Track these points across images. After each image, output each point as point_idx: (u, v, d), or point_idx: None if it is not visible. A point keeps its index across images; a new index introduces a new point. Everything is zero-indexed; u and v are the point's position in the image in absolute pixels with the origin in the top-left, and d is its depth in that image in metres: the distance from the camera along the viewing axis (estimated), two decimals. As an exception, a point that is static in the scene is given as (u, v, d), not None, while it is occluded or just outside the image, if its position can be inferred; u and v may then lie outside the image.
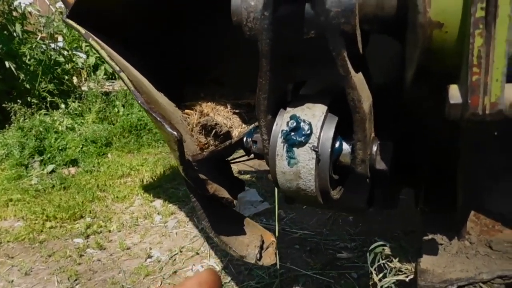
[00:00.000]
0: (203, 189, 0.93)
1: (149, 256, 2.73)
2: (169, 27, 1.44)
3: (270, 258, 1.09)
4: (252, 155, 1.39)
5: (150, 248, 2.81)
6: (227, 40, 1.44)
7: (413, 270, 0.96)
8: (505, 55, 0.51)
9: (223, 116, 1.24)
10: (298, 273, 2.46)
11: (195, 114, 1.29)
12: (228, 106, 1.26)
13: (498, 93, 0.52)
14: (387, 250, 1.01)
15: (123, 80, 0.89)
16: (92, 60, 6.14)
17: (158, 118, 0.80)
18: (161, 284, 2.45)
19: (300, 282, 2.41)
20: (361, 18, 0.66)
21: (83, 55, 6.14)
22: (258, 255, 1.04)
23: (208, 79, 1.46)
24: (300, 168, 0.81)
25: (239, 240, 1.06)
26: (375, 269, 1.01)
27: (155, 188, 3.70)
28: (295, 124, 0.79)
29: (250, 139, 0.97)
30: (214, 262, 2.65)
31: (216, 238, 1.02)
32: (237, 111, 1.26)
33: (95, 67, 6.25)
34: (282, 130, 0.81)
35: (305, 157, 0.80)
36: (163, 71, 1.41)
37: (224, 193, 0.97)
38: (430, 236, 1.00)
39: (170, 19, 1.40)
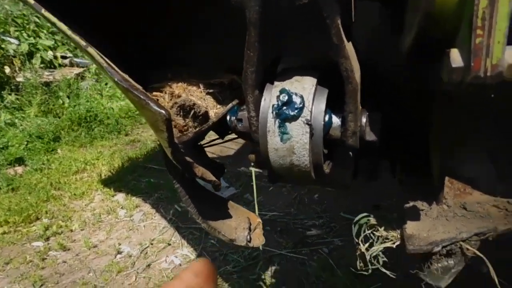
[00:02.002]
0: (192, 172, 0.89)
1: (119, 252, 2.62)
2: (124, 5, 1.33)
3: (259, 239, 1.07)
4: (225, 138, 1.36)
5: (119, 244, 2.69)
6: (186, 19, 1.37)
7: (398, 237, 1.00)
8: (507, 16, 0.52)
9: (197, 97, 1.19)
10: (273, 253, 2.50)
11: (166, 96, 1.22)
12: (201, 86, 1.20)
13: (499, 55, 0.53)
14: (372, 221, 1.04)
15: (91, 57, 0.80)
16: (25, 47, 5.53)
17: (142, 96, 0.73)
18: (135, 279, 2.36)
19: (275, 262, 2.44)
20: (354, -17, 0.64)
21: (15, 41, 5.55)
22: (248, 237, 1.02)
23: (172, 60, 1.39)
24: (294, 143, 0.79)
25: (226, 224, 1.03)
26: (361, 240, 1.03)
27: (115, 182, 3.53)
28: (287, 97, 0.76)
29: (234, 118, 0.93)
30: (188, 251, 2.60)
31: (204, 224, 0.98)
32: (210, 91, 1.21)
33: (30, 55, 5.66)
34: (273, 105, 0.79)
35: (298, 131, 0.78)
36: (122, 52, 1.31)
37: (211, 176, 0.93)
38: (411, 203, 1.04)
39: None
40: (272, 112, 0.78)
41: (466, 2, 0.55)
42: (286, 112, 0.77)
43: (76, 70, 5.77)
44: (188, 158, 0.85)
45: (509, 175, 1.08)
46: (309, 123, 0.77)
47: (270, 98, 0.81)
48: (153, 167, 3.71)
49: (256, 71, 0.78)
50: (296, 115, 0.77)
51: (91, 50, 0.79)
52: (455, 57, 0.57)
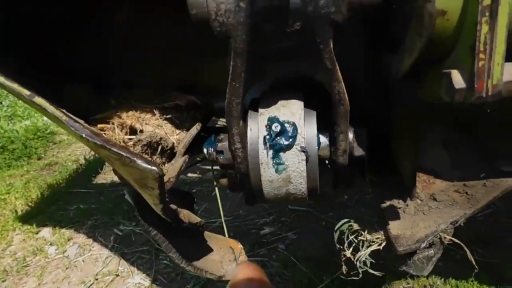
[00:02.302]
0: (179, 220, 0.79)
1: (58, 298, 2.31)
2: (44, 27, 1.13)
3: (246, 267, 1.02)
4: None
5: (57, 288, 2.37)
6: (127, 32, 1.22)
7: (383, 238, 1.03)
8: (505, 40, 0.54)
9: (153, 125, 1.06)
10: (232, 262, 2.44)
11: (115, 128, 1.07)
12: (156, 112, 1.08)
13: (498, 75, 0.56)
14: (355, 226, 1.06)
15: (41, 108, 0.62)
16: None
17: (124, 153, 0.60)
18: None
19: (238, 270, 2.40)
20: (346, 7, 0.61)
21: None
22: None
23: (115, 82, 1.22)
24: (290, 172, 0.75)
25: (210, 260, 0.95)
26: (346, 246, 1.05)
27: (36, 216, 3.09)
28: (279, 127, 0.71)
29: (212, 149, 0.85)
30: (140, 278, 2.41)
31: (189, 267, 0.89)
32: (167, 116, 1.09)
33: None
34: (265, 137, 0.73)
35: (294, 160, 0.74)
36: (51, 80, 1.11)
37: (195, 218, 0.84)
38: (387, 203, 1.09)
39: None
40: (265, 144, 0.73)
41: (464, 27, 0.56)
42: (280, 143, 0.72)
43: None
44: (172, 206, 0.75)
45: (460, 162, 1.19)
46: (304, 150, 0.73)
47: (257, 128, 0.75)
48: (80, 191, 3.34)
49: (241, 102, 0.71)
50: (290, 144, 0.73)
51: (40, 100, 0.63)
52: (457, 79, 0.58)
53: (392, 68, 0.67)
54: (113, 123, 1.08)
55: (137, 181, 0.66)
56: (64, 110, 0.63)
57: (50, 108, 0.62)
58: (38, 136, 4.15)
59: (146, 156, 0.88)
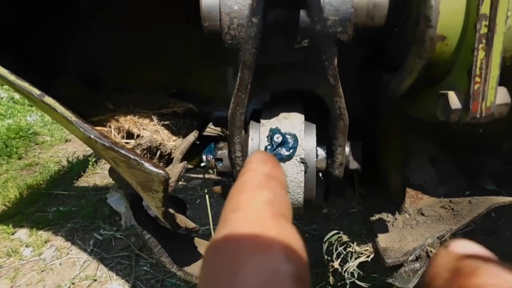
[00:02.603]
0: (176, 225, 0.79)
1: (32, 302, 2.23)
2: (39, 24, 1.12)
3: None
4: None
5: (31, 292, 2.29)
6: (122, 40, 1.23)
7: (372, 250, 1.06)
8: (499, 66, 0.58)
9: (151, 130, 1.07)
10: (215, 270, 2.43)
11: (112, 131, 1.07)
12: (154, 118, 1.08)
13: (492, 98, 0.60)
14: (344, 237, 1.08)
15: (51, 108, 0.62)
16: None
17: (131, 156, 0.60)
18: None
19: (221, 279, 2.38)
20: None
21: None
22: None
23: (110, 87, 1.22)
24: (288, 182, 0.77)
25: (200, 266, 0.96)
26: (335, 258, 1.07)
27: (13, 217, 2.99)
28: (281, 138, 0.73)
29: (211, 157, 0.86)
30: (119, 284, 2.36)
31: (180, 272, 0.89)
32: (164, 122, 1.10)
33: None
34: (266, 146, 0.75)
35: (293, 170, 0.76)
36: (47, 84, 1.10)
37: (190, 223, 0.85)
38: (376, 216, 1.12)
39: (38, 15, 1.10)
40: None
41: (461, 52, 0.60)
42: (281, 153, 0.74)
43: None
44: (171, 210, 0.76)
45: (446, 178, 1.24)
46: (304, 161, 0.75)
47: (259, 138, 0.77)
48: (61, 193, 3.26)
49: (245, 112, 0.73)
50: (290, 155, 0.75)
51: (50, 100, 0.63)
52: (454, 100, 0.62)
53: (391, 87, 0.71)
54: (110, 126, 1.08)
55: (141, 184, 0.67)
56: (72, 112, 0.63)
57: (60, 108, 0.62)
58: (20, 136, 4.04)
59: (145, 160, 0.88)
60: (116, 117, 1.08)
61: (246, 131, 0.80)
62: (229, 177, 0.87)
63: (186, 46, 1.14)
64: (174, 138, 1.11)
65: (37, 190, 3.31)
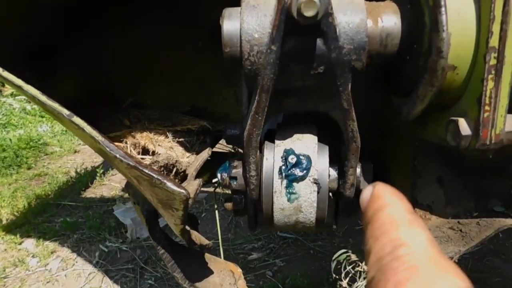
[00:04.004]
0: (191, 242, 0.81)
1: (36, 314, 2.23)
2: (63, 38, 1.18)
3: (244, 291, 1.03)
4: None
5: (36, 303, 2.30)
6: (140, 56, 1.27)
7: (380, 270, 1.06)
8: (508, 95, 0.61)
9: (166, 147, 1.10)
10: (220, 286, 2.42)
11: (128, 147, 1.10)
12: (169, 135, 1.11)
13: (501, 126, 0.62)
14: (353, 257, 1.09)
15: (79, 127, 0.65)
16: None
17: (154, 175, 0.63)
18: None
19: (224, 295, 2.37)
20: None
21: None
22: (236, 293, 0.97)
23: (128, 103, 1.26)
24: (302, 202, 0.79)
25: (211, 282, 0.97)
26: (343, 277, 1.08)
27: (20, 227, 3.02)
28: (295, 159, 0.76)
29: (226, 175, 0.89)
30: (124, 298, 2.36)
31: (191, 287, 0.91)
32: (179, 139, 1.13)
33: None
34: (280, 167, 0.77)
35: (306, 190, 0.78)
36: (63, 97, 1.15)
37: (203, 239, 0.87)
38: (385, 236, 1.13)
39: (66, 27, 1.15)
40: (280, 173, 0.77)
41: (471, 81, 0.63)
42: (295, 174, 0.76)
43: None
44: (187, 227, 0.78)
45: (454, 199, 1.25)
46: (317, 182, 0.78)
47: (273, 158, 0.80)
48: (68, 204, 3.29)
49: (261, 134, 0.76)
50: (304, 175, 0.77)
51: (78, 120, 0.66)
52: (464, 127, 0.64)
53: (403, 111, 0.73)
54: (126, 142, 1.11)
55: (161, 202, 0.69)
56: (98, 132, 0.66)
57: (88, 128, 0.65)
58: (30, 146, 4.10)
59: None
60: (132, 133, 1.11)
61: (261, 151, 0.83)
62: (241, 195, 0.90)
63: (202, 65, 1.18)
64: (188, 154, 1.14)
65: (45, 200, 3.34)
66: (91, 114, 1.20)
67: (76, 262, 2.71)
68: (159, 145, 1.09)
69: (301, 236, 2.92)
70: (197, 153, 1.14)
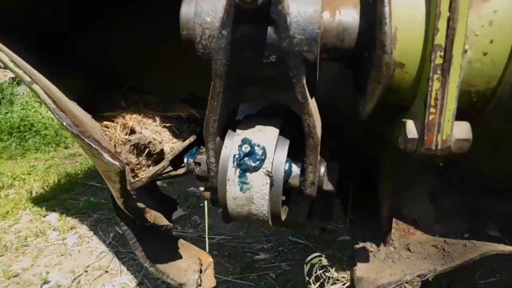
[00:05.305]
0: (143, 219, 0.84)
1: (45, 282, 2.37)
2: (76, 25, 1.25)
3: (209, 281, 1.04)
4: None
5: (47, 272, 2.44)
6: (146, 42, 1.32)
7: (349, 278, 1.03)
8: (456, 98, 0.57)
9: (152, 130, 1.14)
10: (219, 280, 2.44)
11: (118, 127, 1.15)
12: (157, 119, 1.15)
13: (448, 131, 0.58)
14: (324, 261, 1.06)
15: (37, 94, 0.72)
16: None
17: (93, 145, 0.67)
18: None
19: (221, 289, 2.39)
20: (321, 48, 0.66)
21: None
22: (198, 280, 0.98)
23: (128, 86, 1.32)
24: (253, 193, 0.78)
25: (176, 266, 0.99)
26: (313, 280, 1.05)
27: (48, 200, 3.24)
28: (249, 148, 0.76)
29: (192, 160, 0.91)
30: (127, 279, 2.45)
31: (151, 267, 0.93)
32: (167, 124, 1.17)
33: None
34: (234, 155, 0.78)
35: (258, 182, 0.78)
36: (71, 74, 1.22)
37: (163, 220, 0.89)
38: (361, 245, 1.09)
39: (75, 15, 1.22)
40: (233, 162, 0.77)
41: (421, 80, 0.59)
42: (247, 163, 0.76)
43: (11, 74, 5.28)
44: (140, 204, 0.80)
45: (446, 217, 1.17)
46: (270, 174, 0.77)
47: (231, 146, 0.80)
48: (95, 184, 3.48)
49: (218, 120, 0.77)
50: (257, 166, 0.76)
51: (37, 87, 0.72)
52: (411, 129, 0.61)
53: (359, 110, 0.71)
54: (117, 123, 1.17)
55: (104, 173, 0.72)
56: (53, 98, 0.71)
57: (44, 95, 0.70)
58: (68, 127, 4.38)
59: (132, 155, 0.95)
60: (123, 114, 1.16)
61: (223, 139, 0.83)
62: (206, 181, 0.91)
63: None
64: (174, 140, 1.17)
65: (74, 179, 3.55)
66: (92, 93, 1.28)
67: (91, 240, 2.86)
68: (145, 127, 1.13)
69: (312, 243, 2.87)
70: (184, 140, 1.17)
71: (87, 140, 0.68)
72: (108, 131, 1.15)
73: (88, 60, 1.23)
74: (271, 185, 0.78)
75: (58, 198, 3.27)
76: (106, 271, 2.50)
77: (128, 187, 0.75)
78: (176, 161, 1.23)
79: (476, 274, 2.30)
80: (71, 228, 2.94)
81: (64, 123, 0.69)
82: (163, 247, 1.03)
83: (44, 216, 3.04)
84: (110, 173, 0.69)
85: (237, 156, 0.77)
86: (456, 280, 2.21)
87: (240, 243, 2.89)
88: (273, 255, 2.78)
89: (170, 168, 1.28)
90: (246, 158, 0.76)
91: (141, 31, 1.31)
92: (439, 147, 0.58)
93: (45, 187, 3.40)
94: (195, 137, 1.14)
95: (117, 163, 0.68)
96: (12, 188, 3.39)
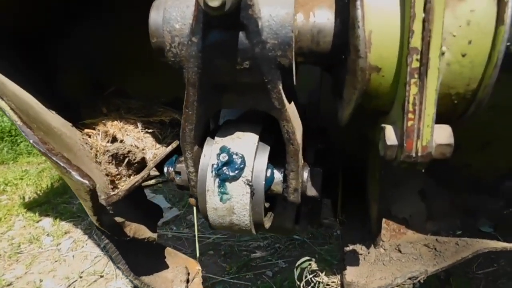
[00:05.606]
0: (121, 234, 0.81)
1: (40, 289, 2.35)
2: (54, 26, 1.21)
3: (197, 289, 1.02)
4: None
5: (40, 280, 2.41)
6: (127, 45, 1.29)
7: (339, 283, 1.01)
8: (435, 103, 0.54)
9: (134, 137, 1.11)
10: (215, 280, 2.43)
11: (99, 135, 1.12)
12: (139, 125, 1.12)
13: (429, 137, 0.55)
14: (314, 265, 1.04)
15: (2, 110, 0.69)
16: None
17: (61, 164, 0.64)
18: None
19: (217, 290, 2.38)
20: (296, 51, 0.63)
21: None
22: (185, 290, 0.96)
23: (109, 91, 1.29)
24: (234, 203, 0.76)
25: (162, 277, 0.96)
26: (303, 285, 1.03)
27: (41, 205, 3.21)
28: (227, 157, 0.73)
29: (172, 169, 0.88)
30: (122, 283, 2.43)
31: (136, 280, 0.90)
32: (149, 130, 1.14)
33: None
34: (213, 165, 0.75)
35: (238, 192, 0.75)
36: (50, 81, 1.19)
37: (144, 232, 0.86)
38: (350, 247, 1.06)
39: (53, 20, 1.18)
40: (212, 172, 0.75)
41: (398, 85, 0.57)
42: (226, 173, 0.73)
43: None
44: (118, 219, 0.78)
45: (438, 215, 1.15)
46: (250, 183, 0.74)
47: (210, 155, 0.77)
48: (86, 188, 3.44)
49: (194, 129, 0.74)
50: (236, 175, 0.74)
51: (3, 103, 0.69)
52: (390, 135, 0.58)
53: (338, 115, 0.68)
54: (98, 130, 1.14)
55: (75, 191, 0.70)
56: (20, 113, 0.68)
57: (10, 112, 0.67)
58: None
59: (111, 166, 0.92)
60: (104, 122, 1.13)
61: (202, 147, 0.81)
62: (187, 190, 0.88)
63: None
64: (157, 146, 1.14)
65: (67, 183, 3.52)
66: (76, 99, 1.24)
67: (86, 244, 2.83)
68: (127, 134, 1.10)
69: (308, 238, 2.86)
70: (168, 145, 1.14)
71: (54, 158, 0.65)
72: (89, 139, 1.12)
73: (69, 65, 1.19)
74: (252, 194, 0.75)
75: (51, 202, 3.24)
76: (101, 276, 2.48)
77: (104, 203, 0.72)
78: (162, 167, 1.20)
79: (474, 265, 2.29)
80: (65, 233, 2.91)
81: (31, 141, 0.66)
82: (148, 257, 1.00)
83: (38, 222, 3.01)
84: (80, 191, 0.66)
85: (215, 165, 0.74)
86: (454, 272, 2.21)
87: (236, 241, 2.87)
88: (269, 253, 2.76)
89: (157, 173, 1.26)
90: (225, 168, 0.73)
91: (120, 34, 1.27)
92: (419, 154, 0.56)
93: (38, 192, 3.37)
94: (177, 142, 1.11)
95: (86, 181, 0.65)
96: (4, 194, 3.35)
